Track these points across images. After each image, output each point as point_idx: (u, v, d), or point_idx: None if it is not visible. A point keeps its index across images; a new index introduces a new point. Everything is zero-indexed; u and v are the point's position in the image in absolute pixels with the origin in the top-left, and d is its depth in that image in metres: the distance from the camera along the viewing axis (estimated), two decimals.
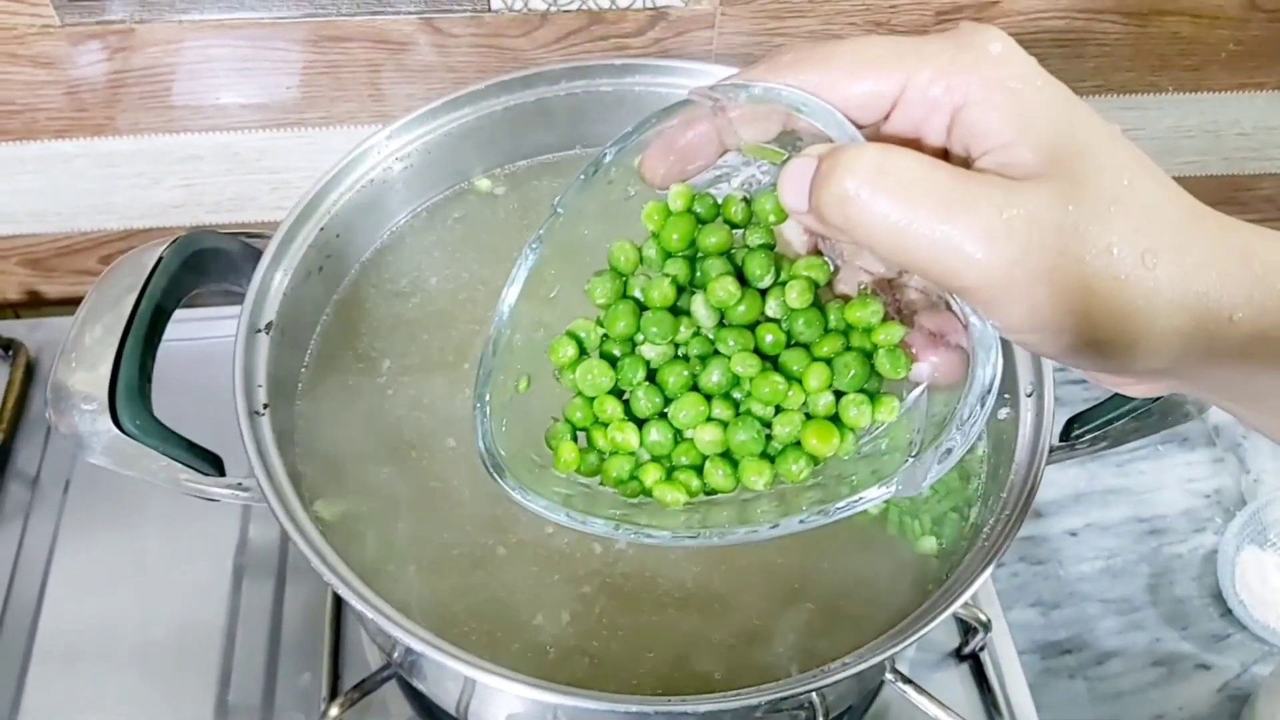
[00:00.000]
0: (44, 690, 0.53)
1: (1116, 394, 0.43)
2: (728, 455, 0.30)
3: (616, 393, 0.30)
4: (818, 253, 0.29)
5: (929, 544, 0.43)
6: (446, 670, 0.36)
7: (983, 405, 0.26)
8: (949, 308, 0.27)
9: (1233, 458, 0.69)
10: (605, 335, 0.30)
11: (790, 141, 0.28)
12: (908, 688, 0.46)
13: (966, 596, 0.35)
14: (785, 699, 0.35)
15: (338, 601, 0.55)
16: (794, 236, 0.29)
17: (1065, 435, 0.44)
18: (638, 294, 0.30)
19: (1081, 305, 0.23)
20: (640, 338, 0.30)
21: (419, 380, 0.48)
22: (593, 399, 0.30)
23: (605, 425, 0.30)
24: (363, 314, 0.50)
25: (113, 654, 0.54)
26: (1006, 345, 0.27)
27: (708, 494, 0.30)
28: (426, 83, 0.62)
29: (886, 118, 0.26)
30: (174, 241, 0.43)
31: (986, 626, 0.52)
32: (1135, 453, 0.69)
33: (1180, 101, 0.70)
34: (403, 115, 0.50)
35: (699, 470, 0.30)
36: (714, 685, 0.36)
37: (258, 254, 0.45)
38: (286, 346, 0.46)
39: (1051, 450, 0.41)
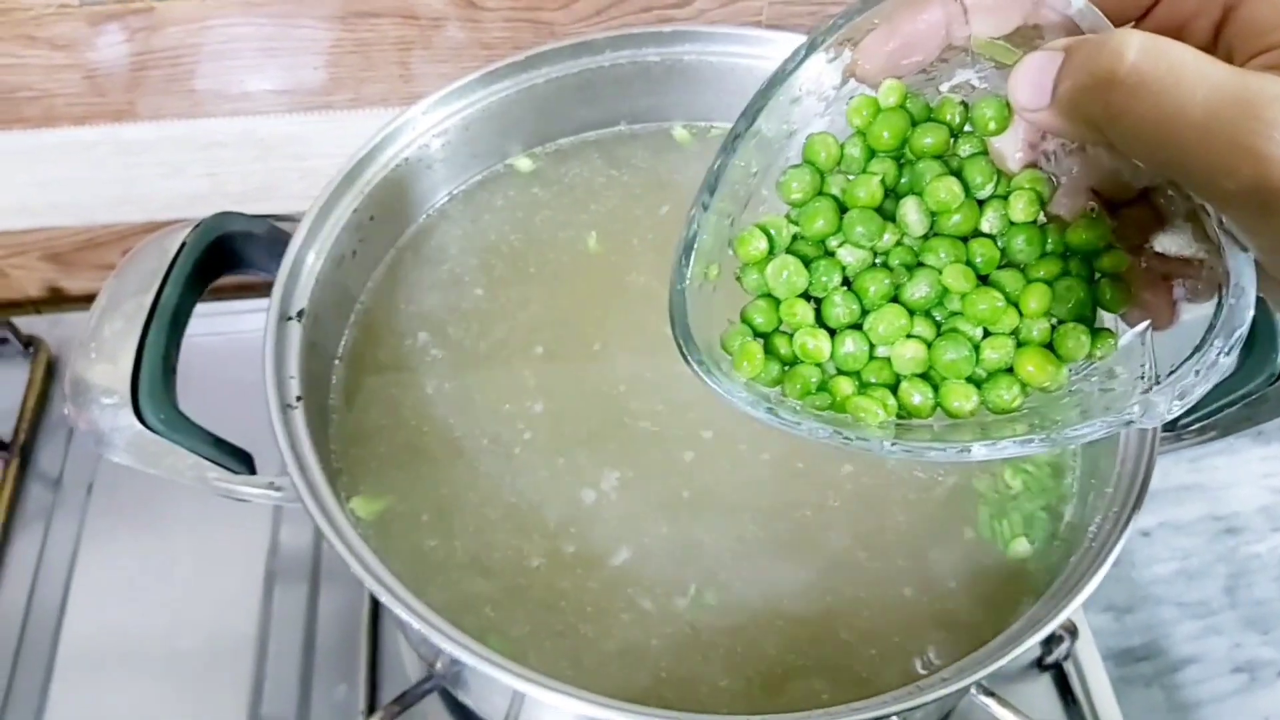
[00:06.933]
0: (68, 700, 0.52)
1: (1224, 380, 0.40)
2: (925, 376, 0.27)
3: (806, 296, 0.28)
4: (1035, 168, 0.27)
5: (1021, 547, 0.40)
6: (495, 683, 0.34)
7: (1230, 350, 0.23)
8: (1196, 237, 0.24)
9: None
10: (797, 234, 0.28)
11: (1027, 41, 0.25)
12: (990, 700, 0.43)
13: (1079, 601, 0.32)
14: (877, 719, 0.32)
15: (375, 609, 0.53)
16: (1009, 151, 0.27)
17: (1171, 424, 0.41)
18: (835, 193, 0.28)
19: None
20: (836, 241, 0.27)
21: (462, 372, 0.46)
22: (779, 302, 0.28)
23: (789, 333, 0.28)
24: (401, 302, 0.48)
25: (139, 663, 0.53)
26: None
27: (901, 417, 0.28)
28: (459, 61, 0.60)
29: (1146, 14, 0.24)
30: (199, 225, 0.42)
31: (1073, 633, 0.50)
32: (1209, 447, 0.66)
33: None
34: (435, 93, 0.48)
35: (893, 390, 0.27)
36: (792, 704, 0.33)
37: (287, 238, 0.43)
38: (320, 336, 0.44)
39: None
